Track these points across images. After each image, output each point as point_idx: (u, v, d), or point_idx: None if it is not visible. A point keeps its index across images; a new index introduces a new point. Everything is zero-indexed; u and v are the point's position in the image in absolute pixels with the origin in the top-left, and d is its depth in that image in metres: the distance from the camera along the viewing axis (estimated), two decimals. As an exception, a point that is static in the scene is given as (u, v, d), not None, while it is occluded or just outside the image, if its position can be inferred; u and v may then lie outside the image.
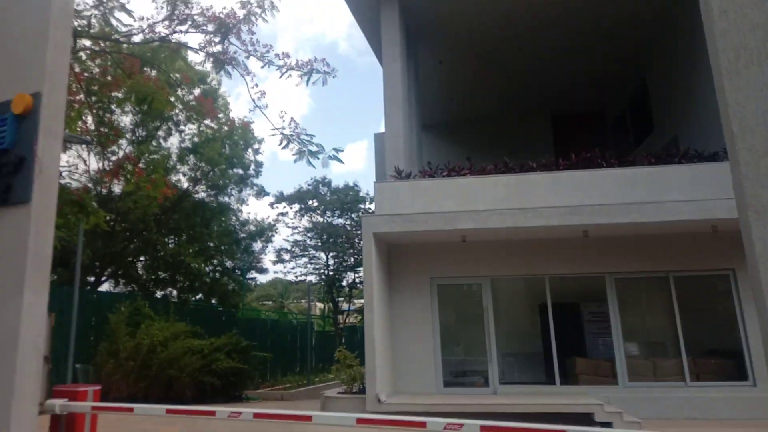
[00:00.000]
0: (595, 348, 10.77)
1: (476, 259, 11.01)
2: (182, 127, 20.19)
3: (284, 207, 25.66)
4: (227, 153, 20.65)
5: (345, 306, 28.04)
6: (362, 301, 16.96)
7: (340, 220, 25.88)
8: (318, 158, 10.27)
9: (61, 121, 4.29)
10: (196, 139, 20.21)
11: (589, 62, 14.66)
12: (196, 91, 17.96)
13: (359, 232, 20.11)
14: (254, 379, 16.60)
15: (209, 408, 4.40)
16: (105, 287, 19.76)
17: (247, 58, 10.30)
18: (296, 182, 50.89)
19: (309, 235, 25.94)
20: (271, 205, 25.75)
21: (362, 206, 25.56)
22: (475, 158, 12.45)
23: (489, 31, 13.35)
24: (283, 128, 10.23)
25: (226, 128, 19.43)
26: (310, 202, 25.66)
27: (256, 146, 22.45)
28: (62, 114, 4.61)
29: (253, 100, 10.29)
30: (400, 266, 11.21)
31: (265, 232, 25.37)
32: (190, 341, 13.58)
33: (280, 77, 11.35)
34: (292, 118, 11.67)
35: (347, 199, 25.52)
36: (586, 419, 8.30)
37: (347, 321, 28.22)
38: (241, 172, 22.26)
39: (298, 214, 25.82)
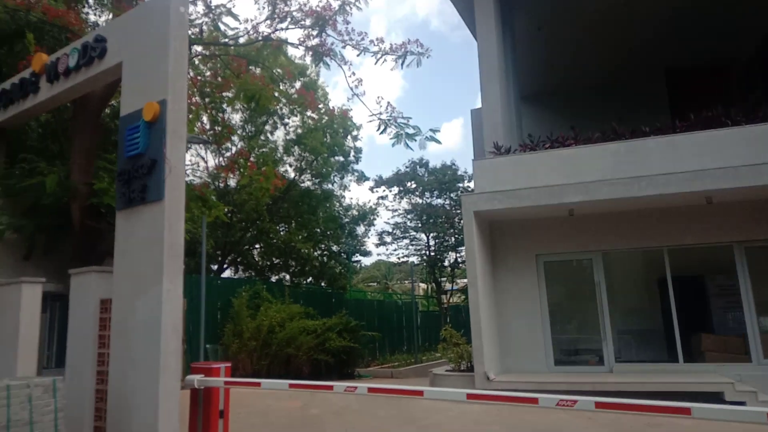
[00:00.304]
0: (723, 323, 9.93)
1: (585, 233, 10.53)
2: (286, 120, 21.22)
3: (384, 190, 26.08)
4: (328, 142, 21.38)
5: (448, 286, 28.08)
6: (465, 280, 16.90)
7: (439, 201, 25.81)
8: (415, 140, 10.36)
9: (184, 123, 4.75)
10: (299, 131, 21.16)
11: (709, 7, 13.12)
12: (297, 85, 18.78)
13: (459, 211, 19.95)
14: (364, 358, 17.25)
15: (327, 383, 4.70)
16: (227, 273, 21.47)
17: (344, 47, 10.58)
18: (394, 165, 51.30)
19: (409, 216, 26.18)
20: (371, 189, 26.26)
21: (461, 185, 25.29)
22: (580, 127, 11.79)
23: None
24: (380, 113, 10.42)
25: (326, 118, 20.15)
26: (409, 184, 25.82)
27: (354, 133, 23.07)
28: (185, 117, 5.08)
29: (351, 89, 10.62)
30: (503, 244, 11.01)
31: (367, 215, 26.04)
32: (305, 322, 14.40)
33: (375, 63, 11.54)
34: (388, 102, 11.88)
35: (445, 179, 25.37)
36: (714, 398, 7.72)
37: (451, 301, 28.28)
38: (341, 159, 22.98)
39: (398, 197, 26.13)
